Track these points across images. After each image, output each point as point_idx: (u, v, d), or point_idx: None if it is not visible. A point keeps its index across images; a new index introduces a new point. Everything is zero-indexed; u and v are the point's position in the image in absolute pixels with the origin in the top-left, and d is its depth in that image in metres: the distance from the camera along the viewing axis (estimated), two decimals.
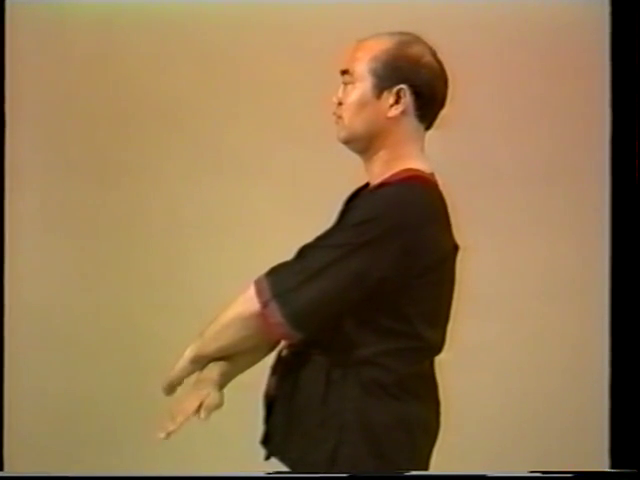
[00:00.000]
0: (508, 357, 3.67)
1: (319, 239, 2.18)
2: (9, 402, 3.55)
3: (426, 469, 2.29)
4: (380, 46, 2.25)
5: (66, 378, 3.80)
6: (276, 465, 2.31)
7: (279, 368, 2.31)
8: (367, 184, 2.31)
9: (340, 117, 2.28)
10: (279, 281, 2.14)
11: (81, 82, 3.81)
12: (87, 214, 3.85)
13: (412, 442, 2.22)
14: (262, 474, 2.39)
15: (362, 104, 2.24)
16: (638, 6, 3.13)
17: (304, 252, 2.17)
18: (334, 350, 2.21)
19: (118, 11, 3.76)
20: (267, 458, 2.33)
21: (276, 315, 2.13)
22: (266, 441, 2.34)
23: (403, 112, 2.24)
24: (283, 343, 2.32)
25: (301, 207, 3.51)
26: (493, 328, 3.65)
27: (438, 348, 2.29)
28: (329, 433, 2.19)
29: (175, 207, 3.81)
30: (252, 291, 2.17)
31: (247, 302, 2.18)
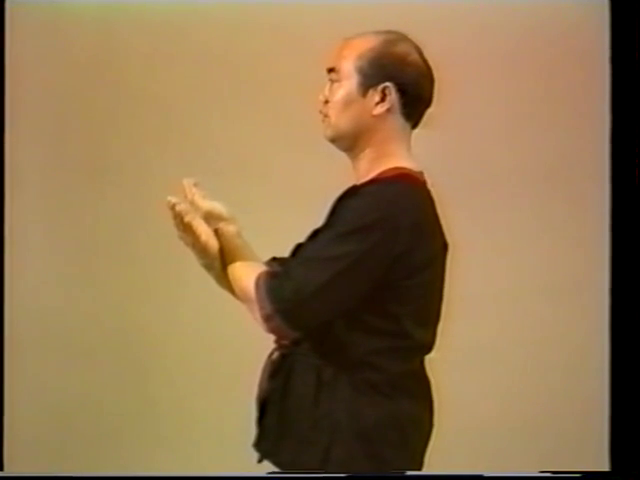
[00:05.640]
0: (507, 357, 3.67)
1: (316, 247, 2.16)
2: (9, 402, 3.55)
3: (420, 467, 2.29)
4: (366, 44, 2.25)
5: (66, 378, 3.80)
6: (269, 468, 2.31)
7: (270, 370, 2.30)
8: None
9: (326, 115, 2.29)
10: (279, 296, 2.11)
11: (81, 82, 3.82)
12: (87, 214, 3.85)
13: (405, 440, 2.22)
14: (261, 474, 2.39)
15: (348, 102, 2.25)
16: (638, 6, 3.13)
17: (305, 263, 2.14)
18: (324, 351, 2.20)
19: (117, 11, 3.77)
20: (260, 461, 2.32)
21: (276, 320, 2.12)
22: (259, 443, 2.33)
23: (389, 110, 2.24)
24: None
25: (300, 207, 3.50)
26: (493, 328, 3.65)
27: (428, 347, 2.29)
28: (321, 434, 2.18)
29: None
30: (252, 294, 2.15)
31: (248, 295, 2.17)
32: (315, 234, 2.24)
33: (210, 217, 2.27)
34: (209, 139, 3.78)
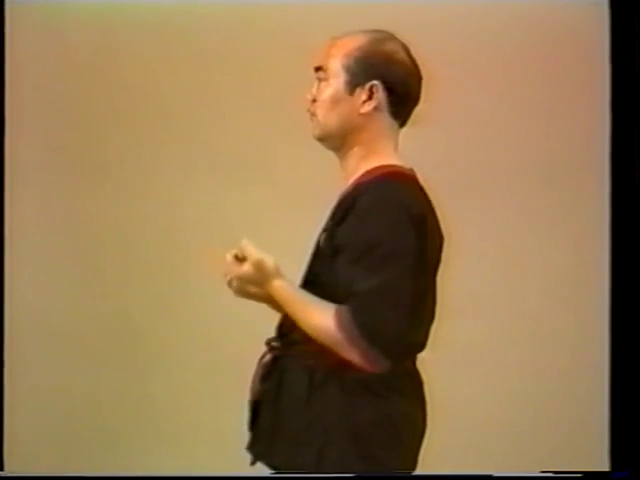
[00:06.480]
0: (507, 357, 3.67)
1: (372, 275, 2.10)
2: (9, 402, 3.55)
3: (414, 467, 2.28)
4: (353, 43, 2.26)
5: (66, 378, 3.80)
6: (264, 469, 2.31)
7: (262, 373, 2.31)
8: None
9: (314, 114, 2.29)
10: (373, 334, 2.09)
11: (81, 82, 3.82)
12: (86, 214, 3.85)
13: (399, 440, 2.22)
14: (261, 474, 2.39)
15: (335, 101, 2.25)
16: (638, 6, 3.13)
17: (373, 294, 2.09)
18: (315, 352, 2.20)
19: (117, 12, 3.77)
20: (253, 463, 2.32)
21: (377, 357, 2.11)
22: (252, 446, 2.33)
23: (376, 108, 2.25)
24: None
25: (299, 205, 3.51)
26: (492, 328, 3.65)
27: (421, 345, 2.29)
28: (314, 436, 2.18)
29: (174, 206, 3.81)
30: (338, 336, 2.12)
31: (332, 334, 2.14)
32: (336, 252, 2.17)
33: (259, 268, 2.20)
34: (209, 139, 3.79)
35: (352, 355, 2.11)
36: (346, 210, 2.20)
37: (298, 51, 3.50)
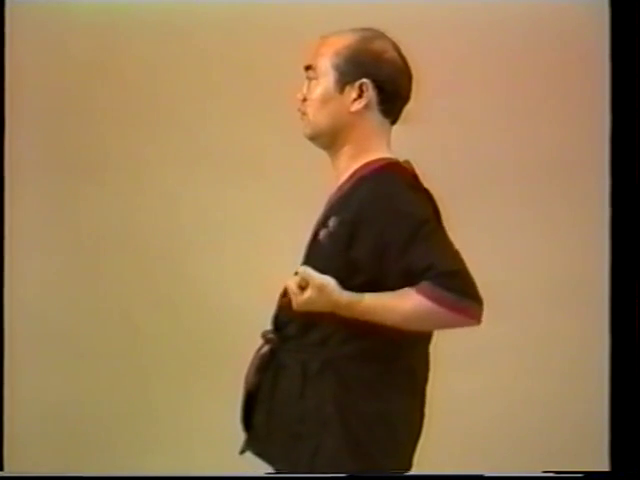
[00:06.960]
0: (507, 358, 3.67)
1: (427, 239, 2.15)
2: (9, 402, 3.55)
3: (409, 464, 2.28)
4: (343, 42, 2.27)
5: (66, 378, 3.80)
6: (257, 463, 2.32)
7: (258, 364, 2.31)
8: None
9: (305, 113, 2.31)
10: (465, 290, 2.14)
11: (81, 83, 3.82)
12: (86, 214, 3.85)
13: (394, 437, 2.22)
14: (262, 474, 2.39)
15: (325, 99, 2.27)
16: (638, 6, 3.13)
17: (442, 253, 2.16)
18: (309, 345, 2.21)
19: (118, 12, 3.77)
20: (242, 452, 2.33)
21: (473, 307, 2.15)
22: (248, 440, 2.34)
23: (366, 106, 2.26)
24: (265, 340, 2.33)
25: (298, 205, 3.51)
26: (492, 328, 3.64)
27: (427, 339, 2.29)
28: (309, 429, 2.19)
29: (174, 207, 3.81)
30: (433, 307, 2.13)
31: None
32: (369, 257, 2.18)
33: (321, 291, 2.18)
34: (208, 139, 3.79)
35: (456, 319, 2.14)
36: (358, 211, 2.19)
37: (298, 52, 3.51)
